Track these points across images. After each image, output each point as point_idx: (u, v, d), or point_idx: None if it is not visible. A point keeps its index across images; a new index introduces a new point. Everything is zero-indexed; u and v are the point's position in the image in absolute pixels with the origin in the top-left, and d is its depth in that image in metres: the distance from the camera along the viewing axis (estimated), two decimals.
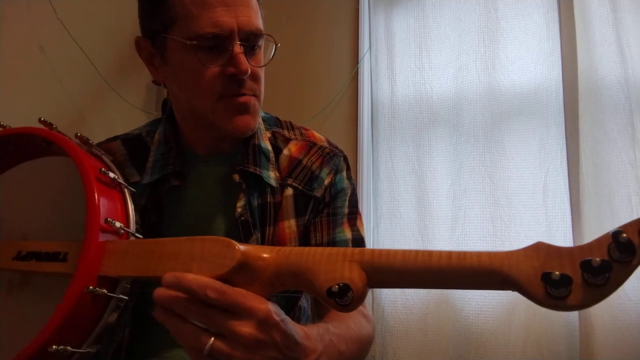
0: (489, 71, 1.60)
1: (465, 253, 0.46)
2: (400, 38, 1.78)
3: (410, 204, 1.66)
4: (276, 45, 0.79)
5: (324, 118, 1.89)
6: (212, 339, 0.48)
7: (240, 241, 0.81)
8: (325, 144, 0.90)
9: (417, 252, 0.47)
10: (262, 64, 0.79)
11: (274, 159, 0.85)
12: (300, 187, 0.85)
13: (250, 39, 0.75)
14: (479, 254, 0.45)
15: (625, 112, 1.40)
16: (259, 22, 0.77)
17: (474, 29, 1.65)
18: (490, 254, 0.44)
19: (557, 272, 0.41)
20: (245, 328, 0.48)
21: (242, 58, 0.72)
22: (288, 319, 0.52)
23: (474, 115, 1.60)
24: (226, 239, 0.53)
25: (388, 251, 0.48)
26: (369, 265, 0.48)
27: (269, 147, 0.86)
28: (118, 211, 0.64)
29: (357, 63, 1.95)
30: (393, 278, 0.48)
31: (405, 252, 0.47)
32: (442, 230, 1.60)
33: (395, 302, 1.61)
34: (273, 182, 0.83)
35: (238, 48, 0.72)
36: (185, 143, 0.85)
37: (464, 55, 1.65)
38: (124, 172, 0.83)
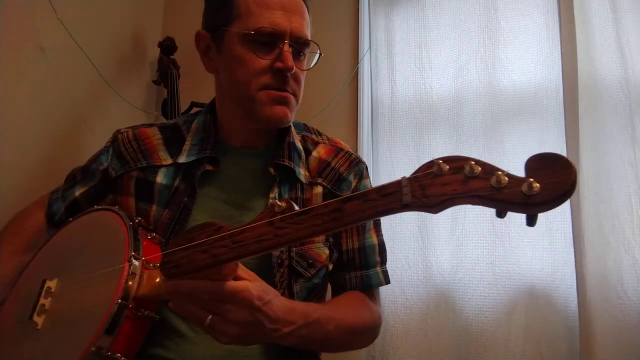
0: (489, 71, 1.60)
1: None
2: (400, 38, 1.78)
3: None
4: (320, 54, 0.89)
5: (324, 118, 1.89)
6: (210, 316, 0.64)
7: None
8: (351, 151, 0.99)
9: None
10: (307, 69, 0.89)
11: (304, 158, 0.93)
12: (329, 187, 0.93)
13: (299, 44, 0.85)
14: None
15: (625, 112, 1.40)
16: (308, 33, 0.87)
17: (474, 29, 1.65)
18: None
19: None
20: (234, 313, 0.63)
21: (290, 56, 0.82)
22: (273, 300, 0.67)
23: (474, 115, 1.60)
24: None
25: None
26: None
27: (301, 147, 0.95)
28: None
29: (357, 63, 1.95)
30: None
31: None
32: (442, 230, 1.60)
33: (395, 302, 1.61)
34: (303, 179, 0.90)
35: (288, 47, 0.82)
36: (222, 135, 0.93)
37: (464, 55, 1.65)
38: (158, 155, 0.92)
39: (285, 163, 0.89)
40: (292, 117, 0.88)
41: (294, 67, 0.83)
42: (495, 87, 1.59)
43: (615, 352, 1.31)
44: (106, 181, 0.94)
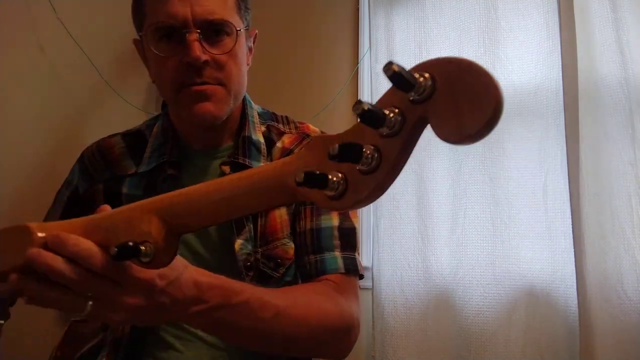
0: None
1: (256, 169, 0.45)
2: (400, 38, 1.78)
3: (410, 204, 1.66)
4: (237, 31, 0.77)
5: (324, 118, 1.89)
6: (90, 303, 0.48)
7: (233, 234, 0.79)
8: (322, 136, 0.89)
9: (207, 182, 0.45)
10: (228, 51, 0.77)
11: (265, 151, 0.85)
12: None
13: (208, 28, 0.75)
14: (268, 168, 0.43)
15: (625, 112, 1.40)
16: (222, 11, 0.76)
17: (474, 29, 1.65)
18: (277, 165, 0.42)
19: (317, 172, 0.36)
20: (131, 299, 0.49)
21: (195, 45, 0.73)
22: (181, 276, 0.53)
23: None
24: (22, 225, 0.49)
25: (181, 191, 0.46)
26: (167, 212, 0.45)
27: (261, 140, 0.86)
28: None
29: (357, 63, 1.95)
30: (194, 218, 0.45)
31: (197, 186, 0.46)
32: (442, 230, 1.60)
33: (395, 302, 1.61)
34: None
35: (192, 36, 0.73)
36: (182, 137, 0.87)
37: (464, 55, 1.62)
38: (121, 165, 0.87)
39: (239, 160, 0.82)
40: (222, 110, 0.78)
41: (202, 57, 0.73)
42: None
43: (615, 352, 1.31)
44: (75, 201, 0.91)
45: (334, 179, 0.37)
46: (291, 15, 2.10)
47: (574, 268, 1.40)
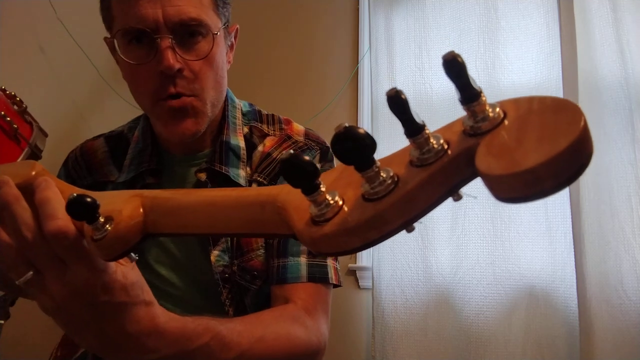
0: (489, 71, 1.60)
1: (248, 189, 0.39)
2: (400, 38, 1.78)
3: None
4: (214, 34, 0.70)
5: (324, 118, 1.89)
6: (31, 273, 0.41)
7: (209, 245, 0.75)
8: (301, 138, 0.83)
9: (197, 190, 0.40)
10: (203, 57, 0.70)
11: (245, 156, 0.80)
12: (265, 182, 0.77)
13: (183, 30, 0.68)
14: (262, 189, 0.37)
15: (625, 112, 1.40)
16: (197, 10, 0.69)
17: (474, 29, 1.65)
18: (273, 188, 0.36)
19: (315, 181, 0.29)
20: (73, 277, 0.41)
21: (168, 53, 0.66)
22: (138, 306, 0.44)
23: None
24: (32, 161, 0.46)
25: (169, 190, 0.42)
26: (150, 200, 0.40)
27: (241, 144, 0.80)
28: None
29: (357, 63, 1.95)
30: (173, 219, 0.39)
31: (186, 190, 0.41)
32: (442, 230, 1.60)
33: (395, 302, 1.61)
34: (242, 181, 0.77)
35: (165, 42, 0.67)
36: (161, 142, 0.82)
37: (464, 55, 1.62)
38: (104, 171, 0.83)
39: (215, 168, 0.76)
40: (201, 124, 0.73)
41: (175, 65, 0.66)
42: (495, 87, 1.59)
43: (615, 352, 1.31)
44: None
45: (330, 199, 0.29)
46: (291, 15, 2.10)
47: (574, 268, 1.40)
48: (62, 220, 0.40)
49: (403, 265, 1.62)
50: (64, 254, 0.41)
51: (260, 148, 0.81)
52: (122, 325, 0.43)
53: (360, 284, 1.80)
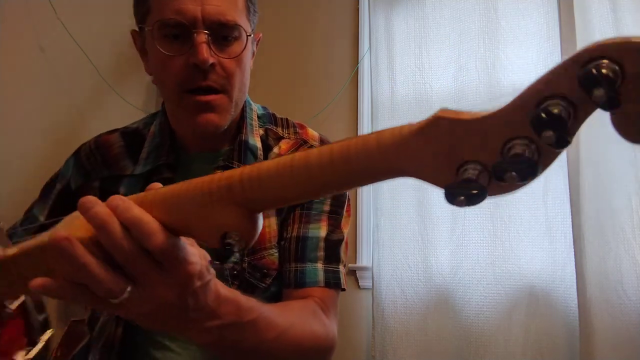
0: (489, 71, 1.60)
1: (349, 145, 0.36)
2: (400, 38, 1.78)
3: (410, 204, 1.66)
4: (248, 36, 0.75)
5: (324, 118, 1.89)
6: (129, 289, 0.42)
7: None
8: (317, 143, 0.86)
9: (292, 158, 0.38)
10: (235, 56, 0.74)
11: (262, 157, 0.83)
12: None
13: (218, 29, 0.72)
14: (365, 143, 0.36)
15: None
16: (233, 13, 0.72)
17: (474, 29, 1.65)
18: (379, 142, 0.35)
19: (471, 170, 0.31)
20: (165, 291, 0.43)
21: (203, 47, 0.70)
22: (211, 282, 0.48)
23: None
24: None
25: (259, 170, 0.40)
26: (241, 197, 0.40)
27: (258, 145, 0.83)
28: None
29: (357, 63, 1.95)
30: (276, 199, 0.40)
31: (278, 163, 0.39)
32: (442, 230, 1.60)
33: (395, 302, 1.61)
34: None
35: (201, 37, 0.70)
36: (178, 140, 0.84)
37: (464, 55, 1.65)
38: (119, 165, 0.85)
39: (234, 166, 0.78)
40: (225, 120, 0.76)
41: (209, 60, 0.70)
42: (495, 87, 1.59)
43: (615, 352, 1.31)
44: (66, 195, 0.88)
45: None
46: (291, 15, 2.10)
47: (574, 268, 1.40)
48: (160, 233, 0.42)
49: (403, 265, 1.62)
50: (164, 259, 0.43)
51: (275, 150, 0.84)
52: (203, 300, 0.47)
53: (360, 284, 1.80)
